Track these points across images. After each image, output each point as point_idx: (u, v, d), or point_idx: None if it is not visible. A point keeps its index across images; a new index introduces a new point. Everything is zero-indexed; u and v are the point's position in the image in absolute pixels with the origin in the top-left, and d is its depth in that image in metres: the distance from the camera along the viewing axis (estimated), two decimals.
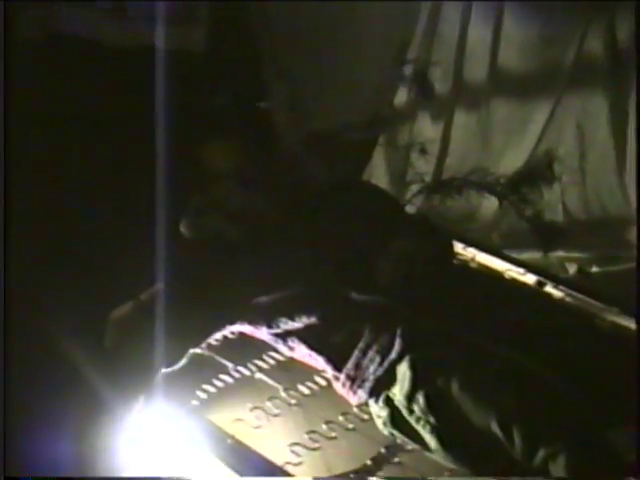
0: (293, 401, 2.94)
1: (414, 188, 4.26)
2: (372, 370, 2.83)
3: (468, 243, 3.80)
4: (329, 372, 2.95)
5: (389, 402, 2.77)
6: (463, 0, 5.03)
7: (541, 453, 2.47)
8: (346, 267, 3.23)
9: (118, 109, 4.69)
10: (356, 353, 2.88)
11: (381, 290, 3.11)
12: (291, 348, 3.06)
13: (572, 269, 4.66)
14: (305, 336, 3.03)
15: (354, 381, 2.86)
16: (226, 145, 3.87)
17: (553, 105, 5.05)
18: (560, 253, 4.65)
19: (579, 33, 4.94)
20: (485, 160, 4.98)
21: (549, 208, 5.00)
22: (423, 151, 4.38)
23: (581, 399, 2.64)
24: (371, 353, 2.86)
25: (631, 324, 3.25)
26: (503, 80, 5.14)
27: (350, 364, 2.88)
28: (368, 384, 2.83)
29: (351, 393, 2.87)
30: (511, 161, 5.04)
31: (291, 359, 3.11)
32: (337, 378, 2.91)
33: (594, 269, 4.65)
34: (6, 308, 3.04)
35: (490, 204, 4.87)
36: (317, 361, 2.99)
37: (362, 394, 2.84)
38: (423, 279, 3.16)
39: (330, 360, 2.94)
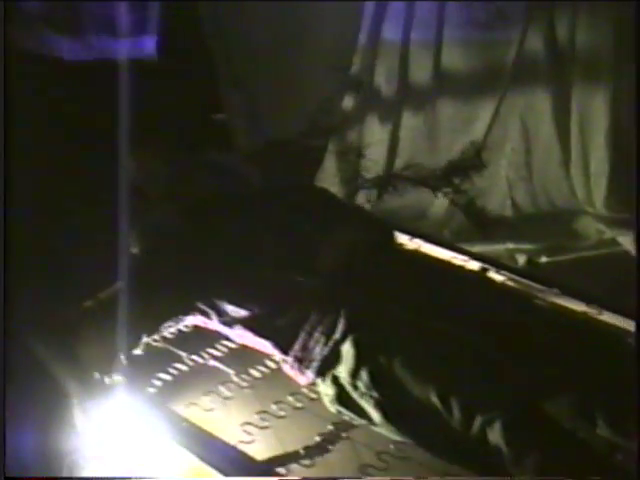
0: (245, 384, 3.06)
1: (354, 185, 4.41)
2: (318, 351, 2.93)
3: (413, 235, 3.93)
4: (277, 356, 3.06)
5: (335, 381, 2.87)
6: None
7: (478, 421, 2.58)
8: (290, 257, 3.33)
9: (75, 121, 4.80)
10: (302, 335, 2.99)
11: (324, 276, 3.23)
12: (241, 336, 3.17)
13: (521, 259, 4.77)
14: (252, 323, 3.13)
15: (301, 362, 2.96)
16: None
17: (497, 103, 5.21)
18: (510, 245, 4.78)
19: (519, 33, 5.09)
20: (433, 159, 5.13)
21: (498, 203, 5.20)
22: (360, 155, 4.52)
23: (515, 368, 2.76)
24: (316, 335, 2.96)
25: (573, 304, 3.39)
26: (447, 81, 5.28)
27: (297, 346, 2.99)
28: (315, 364, 2.93)
29: (299, 374, 2.97)
30: None
31: (243, 346, 3.21)
32: (285, 361, 3.02)
33: (543, 259, 4.75)
34: None
35: (441, 202, 5.03)
36: (265, 346, 3.10)
37: (310, 374, 2.94)
38: (365, 266, 3.27)
39: (277, 344, 3.05)
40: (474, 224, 4.29)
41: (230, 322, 3.19)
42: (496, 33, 5.14)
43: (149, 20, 5.31)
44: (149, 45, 5.34)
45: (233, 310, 3.18)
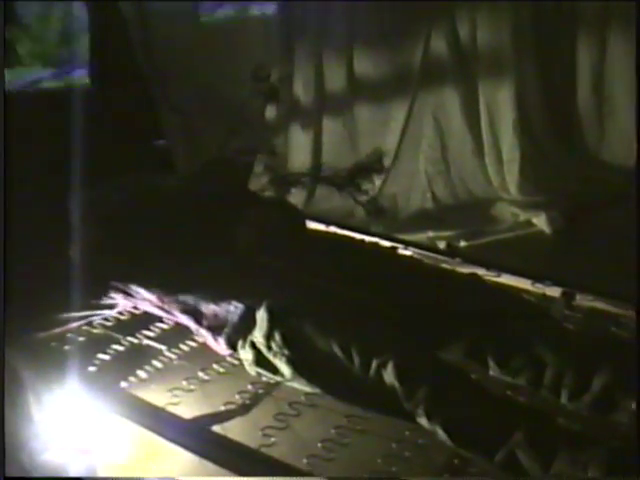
0: (174, 357, 3.38)
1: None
2: (229, 319, 3.26)
3: (328, 222, 4.28)
4: (192, 328, 3.37)
5: (253, 346, 3.18)
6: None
7: (374, 364, 2.91)
8: (206, 241, 3.66)
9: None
10: (211, 306, 3.31)
11: (240, 252, 3.56)
12: (170, 314, 3.49)
13: (441, 245, 5.07)
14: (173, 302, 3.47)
15: (214, 331, 3.28)
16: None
17: (410, 103, 5.52)
18: (430, 234, 5.09)
19: (424, 35, 5.45)
20: (355, 160, 5.44)
21: (419, 197, 5.53)
22: (273, 153, 4.87)
23: (407, 321, 3.10)
24: (224, 305, 3.28)
25: (474, 270, 3.72)
26: (361, 86, 5.61)
27: (208, 317, 3.32)
28: (227, 330, 3.24)
29: (214, 342, 3.28)
30: None
31: (176, 325, 3.52)
32: (199, 333, 3.35)
33: (462, 243, 5.04)
34: None
35: None
36: (183, 320, 3.42)
37: (222, 342, 3.25)
38: (276, 240, 3.61)
39: (191, 318, 3.37)
40: (377, 220, 4.67)
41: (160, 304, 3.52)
42: (401, 38, 5.46)
43: (79, 50, 5.60)
44: (81, 74, 5.61)
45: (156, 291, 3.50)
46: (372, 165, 4.68)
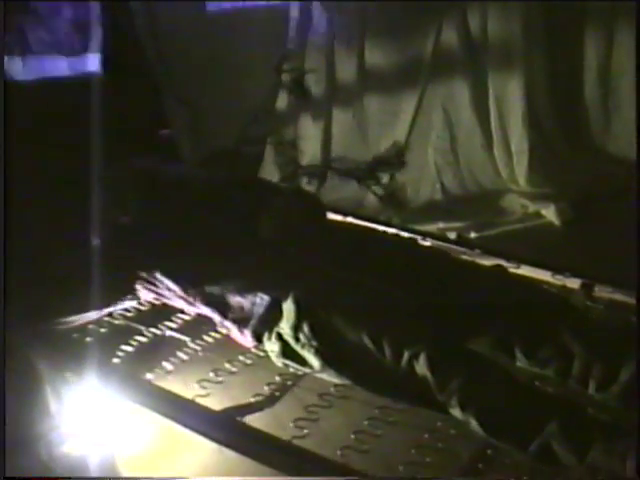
0: (199, 348, 3.37)
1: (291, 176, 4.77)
2: (255, 311, 3.25)
3: (343, 213, 4.28)
4: (216, 320, 3.36)
5: (279, 337, 3.18)
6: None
7: (405, 356, 2.92)
8: (229, 232, 3.66)
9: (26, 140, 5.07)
10: (237, 298, 3.31)
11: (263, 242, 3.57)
12: (194, 306, 3.48)
13: (452, 236, 5.08)
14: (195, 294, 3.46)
15: (239, 323, 3.28)
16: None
17: (419, 94, 5.54)
18: (440, 225, 5.10)
19: (435, 27, 5.46)
20: (364, 150, 5.49)
21: (429, 188, 5.55)
22: (294, 146, 4.87)
23: (437, 313, 3.11)
24: (250, 296, 3.28)
25: (493, 261, 3.73)
26: (372, 78, 5.62)
27: (233, 309, 3.31)
28: (253, 322, 3.24)
29: (240, 335, 3.27)
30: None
31: (198, 316, 3.51)
32: (224, 325, 3.35)
33: (472, 234, 5.06)
34: None
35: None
36: (207, 313, 3.41)
37: (248, 334, 3.24)
38: (299, 231, 3.61)
39: (216, 310, 3.36)
40: (395, 212, 4.69)
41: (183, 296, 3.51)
42: (412, 29, 5.47)
43: (93, 39, 5.60)
44: (93, 63, 5.62)
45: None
46: (392, 159, 4.69)
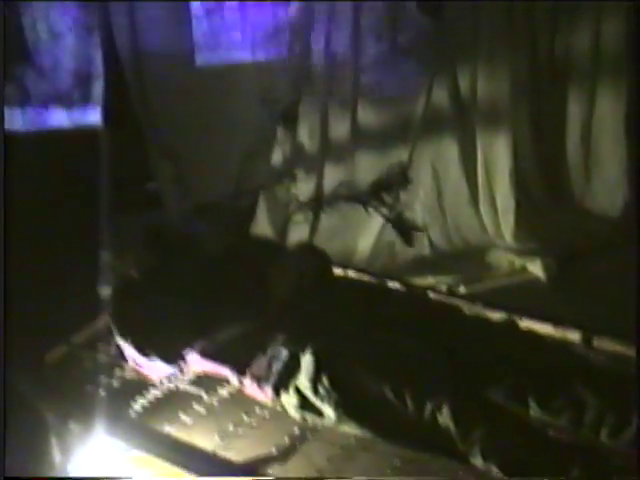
0: (215, 402, 3.41)
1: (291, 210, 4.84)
2: (274, 366, 3.30)
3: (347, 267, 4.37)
4: (234, 379, 3.41)
5: (297, 390, 3.24)
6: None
7: (428, 407, 2.99)
8: (245, 292, 3.72)
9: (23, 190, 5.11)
10: (257, 356, 3.36)
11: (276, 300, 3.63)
12: (198, 363, 3.52)
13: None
14: (208, 350, 3.51)
15: (259, 380, 3.33)
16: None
17: (410, 152, 5.64)
18: (430, 279, 5.19)
19: (426, 87, 5.59)
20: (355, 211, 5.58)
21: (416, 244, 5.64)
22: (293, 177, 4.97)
23: (456, 364, 3.19)
24: (270, 352, 3.34)
25: (494, 314, 3.82)
26: (364, 135, 5.72)
27: (253, 366, 3.36)
28: (272, 378, 3.29)
29: (259, 391, 3.32)
30: None
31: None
32: (242, 382, 3.39)
33: (462, 289, 5.15)
34: None
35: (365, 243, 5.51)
36: (223, 370, 3.46)
37: (268, 390, 3.30)
38: (311, 287, 3.69)
39: (234, 367, 3.42)
40: (402, 236, 4.75)
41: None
42: (404, 89, 5.60)
43: (93, 91, 5.66)
44: (94, 115, 5.69)
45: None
46: (395, 178, 4.76)
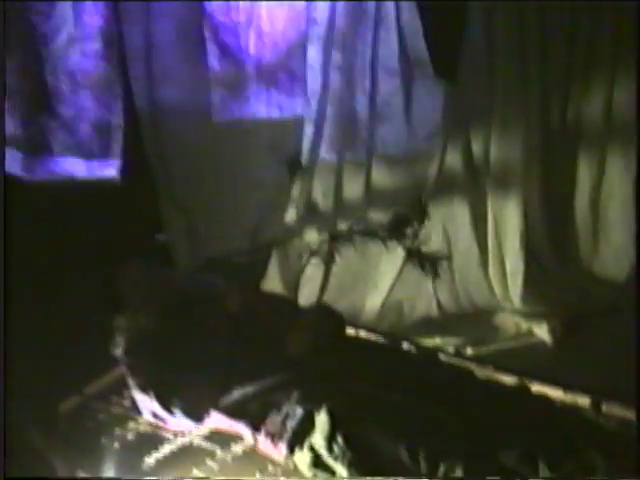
0: (229, 458, 3.46)
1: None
2: (288, 424, 3.36)
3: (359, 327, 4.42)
4: (249, 435, 3.46)
5: (311, 448, 3.29)
6: None
7: (442, 468, 3.04)
8: (262, 350, 3.78)
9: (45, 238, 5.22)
10: (271, 412, 3.41)
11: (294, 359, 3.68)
12: (214, 420, 3.57)
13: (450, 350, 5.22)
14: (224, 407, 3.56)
15: (274, 437, 3.38)
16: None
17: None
18: (438, 340, 5.21)
19: (440, 149, 5.67)
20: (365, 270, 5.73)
21: (425, 304, 5.70)
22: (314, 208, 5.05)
23: (468, 427, 3.24)
24: (285, 410, 3.39)
25: (505, 378, 3.88)
26: (376, 195, 5.79)
27: (267, 423, 3.41)
28: (287, 435, 3.35)
29: (273, 448, 3.38)
30: (387, 269, 5.74)
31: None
32: (256, 439, 3.44)
33: (469, 350, 5.18)
34: None
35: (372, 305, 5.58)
36: (238, 427, 3.51)
37: (282, 447, 3.35)
38: (327, 347, 3.75)
39: (249, 424, 3.47)
40: (425, 268, 4.79)
41: None
42: (419, 151, 5.69)
43: (113, 143, 5.76)
44: (112, 167, 5.78)
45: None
46: (414, 213, 4.81)
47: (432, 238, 5.61)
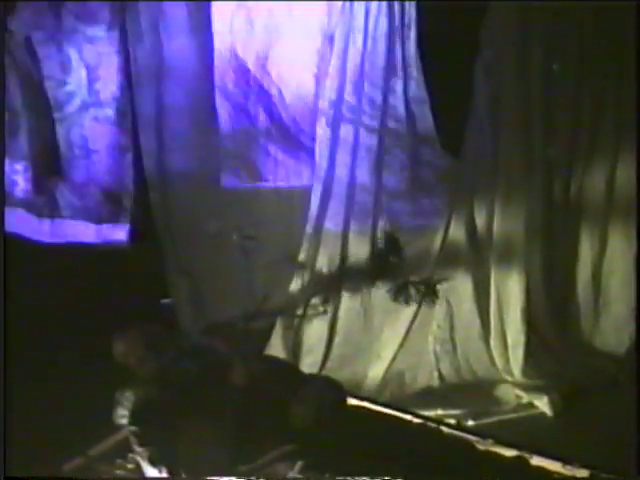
0: None
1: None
2: None
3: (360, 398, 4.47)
4: None
5: None
6: None
7: None
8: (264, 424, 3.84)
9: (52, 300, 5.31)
10: None
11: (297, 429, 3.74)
12: None
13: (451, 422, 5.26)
14: None
15: None
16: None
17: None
18: (439, 411, 5.25)
19: (444, 222, 5.78)
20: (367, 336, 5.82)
21: (426, 375, 5.75)
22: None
23: None
24: None
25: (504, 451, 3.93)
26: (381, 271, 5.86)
27: None
28: None
29: None
30: (389, 339, 5.82)
31: None
32: None
33: (470, 422, 5.23)
34: None
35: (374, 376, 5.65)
36: None
37: None
38: (329, 418, 3.80)
39: None
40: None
41: None
42: (422, 224, 5.79)
43: (122, 209, 5.86)
44: (121, 232, 5.87)
45: None
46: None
47: (435, 311, 5.70)
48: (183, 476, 3.64)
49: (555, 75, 5.73)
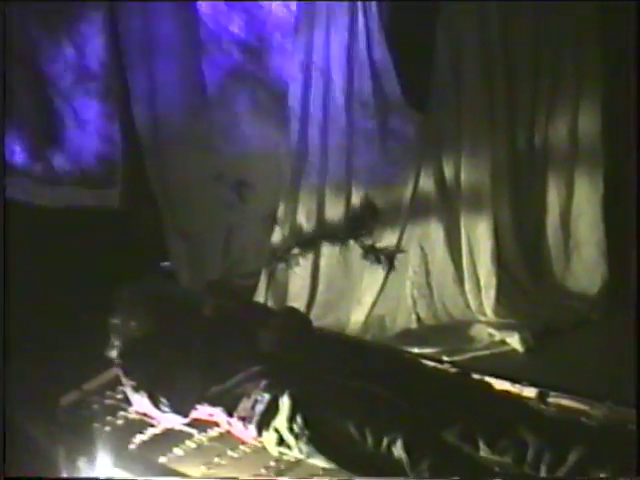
0: (205, 439, 3.90)
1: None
2: (257, 408, 3.79)
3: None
4: (224, 420, 3.90)
5: (276, 430, 3.73)
6: None
7: (385, 441, 3.47)
8: (237, 345, 4.22)
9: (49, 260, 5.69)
10: (243, 400, 3.86)
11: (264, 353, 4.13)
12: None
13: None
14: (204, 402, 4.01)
15: (245, 420, 3.82)
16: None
17: (399, 233, 6.11)
18: (415, 349, 5.59)
19: (414, 175, 6.12)
20: (347, 281, 6.18)
21: (405, 318, 6.11)
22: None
23: (416, 409, 3.66)
24: (253, 396, 3.83)
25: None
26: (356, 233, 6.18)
27: (239, 409, 3.86)
28: (255, 419, 3.79)
29: (244, 430, 3.82)
30: (369, 286, 6.19)
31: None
32: (230, 423, 3.88)
33: (445, 359, 5.55)
34: None
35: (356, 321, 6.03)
36: (214, 416, 3.96)
37: (252, 428, 3.79)
38: (293, 344, 4.18)
39: (224, 412, 3.91)
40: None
41: None
42: (394, 176, 6.14)
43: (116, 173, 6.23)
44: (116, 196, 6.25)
45: None
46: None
47: (411, 257, 6.05)
48: (161, 399, 4.01)
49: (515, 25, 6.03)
